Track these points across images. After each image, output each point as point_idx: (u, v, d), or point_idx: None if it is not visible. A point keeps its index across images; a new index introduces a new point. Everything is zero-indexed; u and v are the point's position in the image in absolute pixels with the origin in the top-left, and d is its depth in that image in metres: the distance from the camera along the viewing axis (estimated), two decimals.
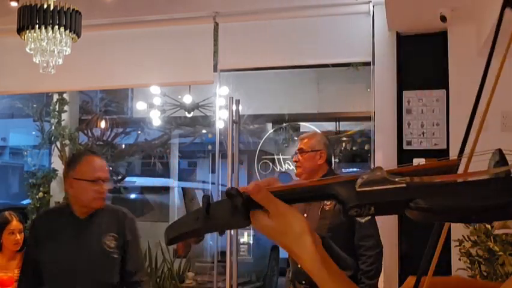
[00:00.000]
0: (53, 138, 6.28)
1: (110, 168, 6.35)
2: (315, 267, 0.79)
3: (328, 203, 2.94)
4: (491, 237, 3.17)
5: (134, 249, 2.74)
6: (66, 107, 6.30)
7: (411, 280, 0.90)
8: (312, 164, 3.19)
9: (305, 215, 2.84)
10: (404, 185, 0.73)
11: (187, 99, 6.63)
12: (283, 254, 7.83)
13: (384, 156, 3.89)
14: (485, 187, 0.72)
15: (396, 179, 0.74)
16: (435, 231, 0.86)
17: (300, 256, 0.80)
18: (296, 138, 7.68)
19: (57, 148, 6.30)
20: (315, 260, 0.79)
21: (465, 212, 0.72)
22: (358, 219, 0.77)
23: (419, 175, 0.75)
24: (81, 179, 2.63)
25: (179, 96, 6.82)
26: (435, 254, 0.88)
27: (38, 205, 6.00)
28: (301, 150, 3.24)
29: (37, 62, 3.51)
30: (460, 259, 3.33)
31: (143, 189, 8.39)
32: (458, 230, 3.33)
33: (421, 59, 3.90)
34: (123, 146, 7.87)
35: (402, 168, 0.79)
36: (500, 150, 0.78)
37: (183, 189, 8.34)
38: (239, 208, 0.80)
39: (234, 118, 3.92)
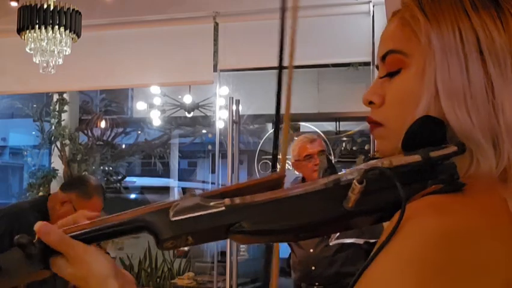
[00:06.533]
0: (53, 138, 6.28)
1: None
2: None
3: None
4: None
5: None
6: (66, 107, 6.30)
7: None
8: None
9: None
10: (223, 208, 0.66)
11: (187, 99, 6.63)
12: (283, 254, 7.81)
13: None
14: (311, 200, 0.66)
15: (212, 203, 0.67)
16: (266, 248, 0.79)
17: None
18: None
19: (57, 148, 6.30)
20: None
21: (291, 231, 0.66)
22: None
23: (243, 194, 0.68)
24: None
25: (180, 96, 6.82)
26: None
27: None
28: (323, 152, 3.11)
29: (37, 62, 3.51)
30: None
31: (143, 189, 8.39)
32: None
33: None
34: (123, 146, 7.87)
35: (225, 188, 0.72)
36: (327, 156, 0.74)
37: (183, 189, 8.33)
38: (34, 257, 0.68)
39: (234, 118, 3.92)
